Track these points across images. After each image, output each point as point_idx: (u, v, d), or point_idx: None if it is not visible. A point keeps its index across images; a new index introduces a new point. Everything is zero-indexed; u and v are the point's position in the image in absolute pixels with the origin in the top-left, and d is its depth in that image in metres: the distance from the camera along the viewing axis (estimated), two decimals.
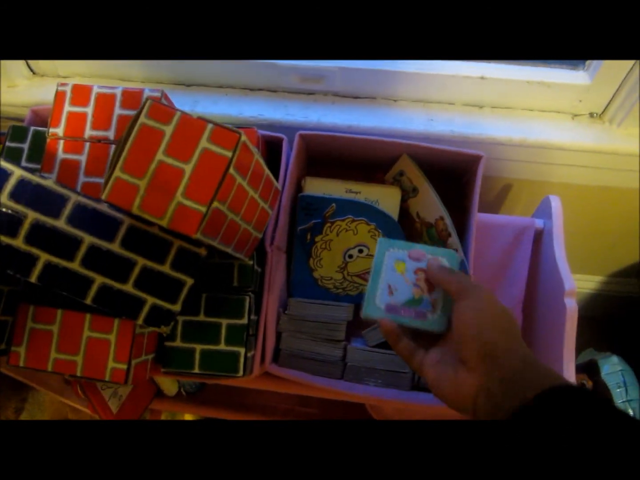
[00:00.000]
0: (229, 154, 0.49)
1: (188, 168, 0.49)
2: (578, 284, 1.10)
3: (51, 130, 0.65)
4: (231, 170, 0.50)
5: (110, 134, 0.64)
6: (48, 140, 0.65)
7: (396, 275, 0.57)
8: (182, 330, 0.65)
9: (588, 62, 0.81)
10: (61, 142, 0.64)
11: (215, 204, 0.49)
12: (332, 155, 0.78)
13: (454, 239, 0.70)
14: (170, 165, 0.49)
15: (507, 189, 0.96)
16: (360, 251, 0.76)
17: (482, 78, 0.82)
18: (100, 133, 0.64)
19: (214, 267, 0.66)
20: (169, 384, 1.00)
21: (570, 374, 0.68)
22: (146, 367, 0.63)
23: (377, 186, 0.76)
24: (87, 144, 0.64)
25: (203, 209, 0.49)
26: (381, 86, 0.85)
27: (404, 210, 0.77)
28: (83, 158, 0.64)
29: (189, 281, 0.57)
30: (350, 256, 0.76)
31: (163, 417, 1.09)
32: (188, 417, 1.11)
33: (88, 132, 0.64)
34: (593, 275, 1.33)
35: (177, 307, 0.57)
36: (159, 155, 0.49)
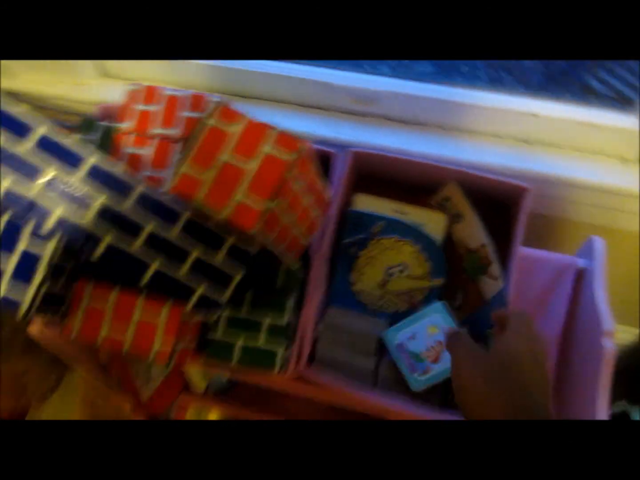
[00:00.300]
0: (289, 158, 0.52)
1: (250, 168, 0.52)
2: (617, 334, 1.08)
3: (119, 125, 0.69)
4: (290, 175, 0.52)
5: (175, 133, 0.67)
6: (116, 134, 0.69)
7: (425, 332, 0.73)
8: (225, 324, 0.67)
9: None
10: (128, 136, 0.68)
11: (273, 204, 0.52)
12: (379, 175, 0.80)
13: (495, 267, 0.72)
14: (234, 164, 0.52)
15: (552, 227, 0.97)
16: (402, 271, 0.77)
17: (534, 115, 0.84)
18: (165, 131, 0.68)
19: (261, 267, 0.68)
20: (198, 380, 1.02)
21: (603, 416, 0.67)
22: (187, 354, 0.65)
23: (424, 210, 0.78)
24: (153, 141, 0.68)
25: (261, 207, 0.51)
26: (433, 114, 0.88)
27: (447, 235, 0.78)
28: (147, 153, 0.67)
29: (238, 276, 0.59)
30: (391, 274, 0.77)
31: (188, 414, 1.11)
32: (212, 416, 1.12)
33: (154, 129, 0.68)
34: (633, 327, 1.30)
35: (224, 299, 0.59)
36: (224, 155, 0.53)
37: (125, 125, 0.69)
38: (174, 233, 0.58)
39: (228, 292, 0.59)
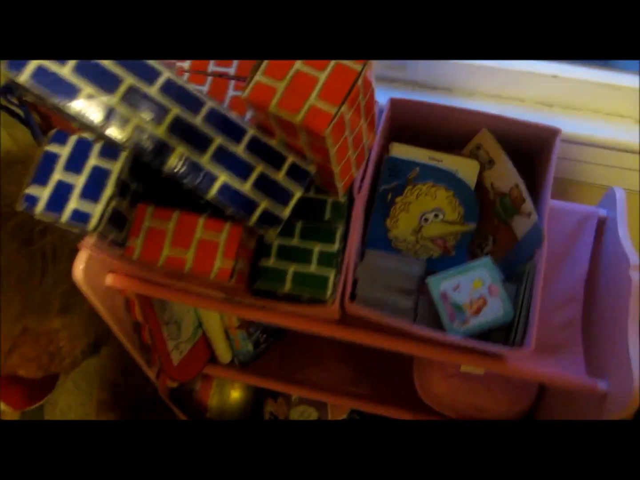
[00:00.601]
0: (358, 68, 0.56)
1: (322, 76, 0.56)
2: None
3: (178, 64, 0.72)
4: (359, 83, 0.56)
5: (232, 71, 0.71)
6: (175, 71, 0.72)
7: (470, 283, 0.75)
8: (277, 252, 0.69)
9: None
10: (186, 74, 0.72)
11: (343, 108, 0.56)
12: (414, 126, 0.84)
13: (528, 204, 0.75)
14: (306, 72, 0.56)
15: (568, 190, 1.01)
16: (436, 216, 0.81)
17: (554, 77, 0.90)
18: (222, 69, 0.71)
19: (309, 200, 0.71)
20: (223, 351, 1.03)
21: (635, 350, 0.71)
22: (244, 276, 0.67)
23: (458, 157, 0.82)
24: (209, 78, 0.71)
25: (333, 110, 0.55)
26: (459, 79, 0.93)
27: (478, 182, 0.82)
28: (205, 89, 0.71)
29: (298, 193, 0.62)
30: (426, 220, 0.81)
31: (214, 384, 1.11)
32: (235, 393, 1.13)
33: (211, 67, 0.72)
34: None
35: (285, 214, 0.62)
36: (297, 64, 0.56)
37: (183, 64, 0.72)
38: (240, 148, 0.61)
39: (289, 209, 0.62)
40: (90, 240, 0.71)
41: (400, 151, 0.82)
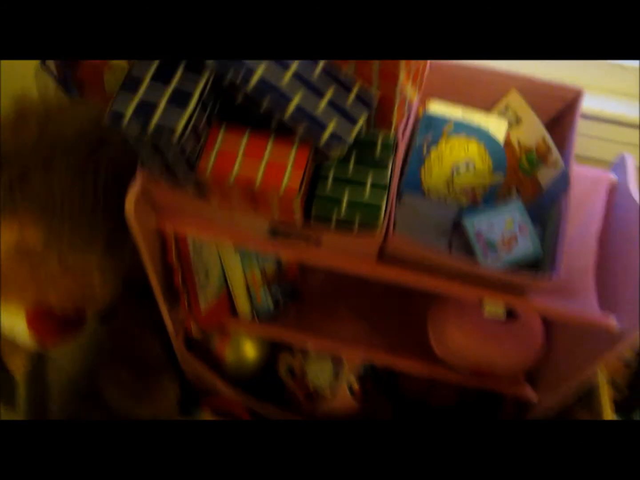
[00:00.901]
0: None
1: None
2: None
3: None
4: None
5: None
6: None
7: (503, 223, 0.82)
8: (332, 181, 0.74)
9: None
10: None
11: None
12: (445, 89, 0.91)
13: (554, 153, 0.83)
14: None
15: None
16: (467, 167, 0.87)
17: None
18: None
19: (361, 141, 0.76)
20: (244, 305, 1.06)
21: None
22: (300, 203, 0.72)
23: (487, 116, 0.89)
24: None
25: None
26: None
27: (505, 140, 0.90)
28: None
29: (362, 119, 0.68)
30: (458, 171, 0.88)
31: (231, 341, 1.14)
32: (252, 349, 1.16)
33: None
34: None
35: (352, 134, 0.67)
36: None
37: None
38: (315, 73, 0.67)
39: (357, 128, 0.68)
40: (151, 170, 0.75)
41: (436, 108, 0.89)
